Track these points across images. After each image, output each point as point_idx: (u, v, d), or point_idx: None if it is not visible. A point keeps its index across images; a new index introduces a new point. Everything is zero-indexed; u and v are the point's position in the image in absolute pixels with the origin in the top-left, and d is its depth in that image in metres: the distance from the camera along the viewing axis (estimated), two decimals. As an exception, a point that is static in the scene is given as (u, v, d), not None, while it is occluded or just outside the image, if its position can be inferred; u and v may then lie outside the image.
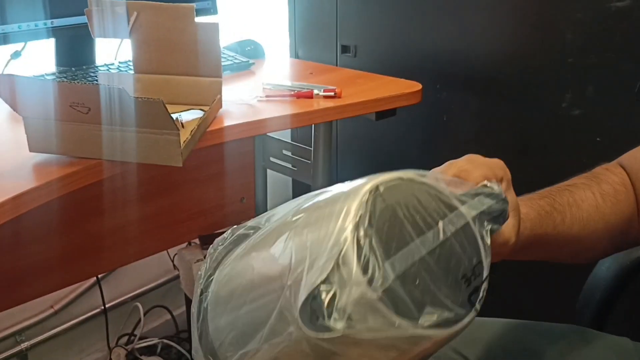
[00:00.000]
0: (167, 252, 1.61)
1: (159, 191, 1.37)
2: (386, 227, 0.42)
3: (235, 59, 1.32)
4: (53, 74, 1.16)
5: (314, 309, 0.39)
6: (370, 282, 0.39)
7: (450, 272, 0.44)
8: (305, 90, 1.11)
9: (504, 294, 1.37)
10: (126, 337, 1.61)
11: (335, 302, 0.39)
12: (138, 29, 1.00)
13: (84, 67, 1.19)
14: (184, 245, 1.49)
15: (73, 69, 1.17)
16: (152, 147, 0.81)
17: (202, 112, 0.96)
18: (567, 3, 1.14)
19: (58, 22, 1.14)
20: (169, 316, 1.69)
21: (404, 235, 0.42)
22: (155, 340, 1.65)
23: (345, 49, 1.52)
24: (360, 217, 0.41)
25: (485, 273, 0.47)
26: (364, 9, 1.47)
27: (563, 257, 0.71)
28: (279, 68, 1.40)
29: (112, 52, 1.18)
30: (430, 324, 0.41)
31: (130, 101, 0.74)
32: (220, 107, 1.01)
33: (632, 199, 0.70)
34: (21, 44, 1.12)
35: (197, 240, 1.47)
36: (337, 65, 1.51)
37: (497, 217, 0.50)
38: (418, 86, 1.17)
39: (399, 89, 1.16)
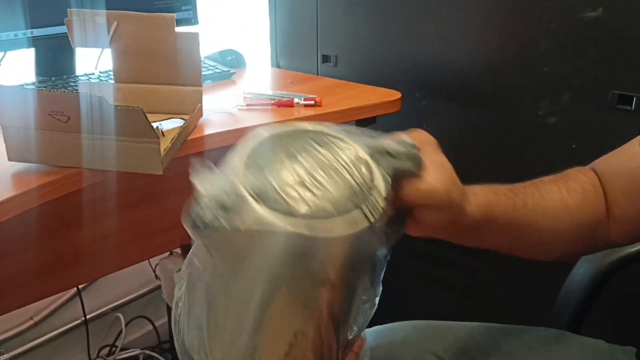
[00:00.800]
0: (149, 261, 1.61)
1: (140, 201, 1.37)
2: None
3: (217, 68, 1.33)
4: (32, 83, 1.15)
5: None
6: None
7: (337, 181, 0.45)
8: (285, 99, 1.12)
9: (483, 298, 1.39)
10: (107, 349, 1.60)
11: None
12: (118, 38, 1.00)
13: (64, 76, 1.19)
14: (166, 254, 1.48)
15: (53, 78, 1.17)
16: (132, 155, 0.81)
17: (183, 121, 0.96)
18: (541, 14, 1.16)
19: (38, 31, 1.14)
20: (150, 327, 1.68)
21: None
22: (137, 351, 1.64)
23: (326, 58, 1.53)
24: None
25: (382, 193, 0.47)
26: (345, 19, 1.48)
27: (528, 247, 0.70)
28: (260, 77, 1.41)
29: (93, 62, 1.18)
30: (305, 213, 0.42)
31: (110, 109, 0.75)
32: (201, 115, 1.02)
33: (600, 200, 0.70)
34: (0, 54, 1.12)
35: (178, 250, 1.47)
36: (318, 75, 1.53)
37: (402, 158, 0.51)
38: (397, 95, 1.18)
39: (379, 97, 1.18)
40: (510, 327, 0.80)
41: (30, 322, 1.43)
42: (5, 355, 1.39)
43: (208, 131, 0.99)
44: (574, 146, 1.17)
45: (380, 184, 0.48)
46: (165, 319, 1.68)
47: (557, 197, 0.68)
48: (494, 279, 1.36)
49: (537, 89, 1.20)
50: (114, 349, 1.60)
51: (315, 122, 0.52)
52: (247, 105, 1.11)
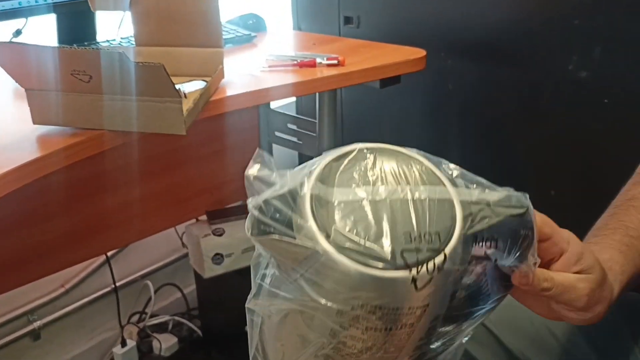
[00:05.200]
0: (176, 230, 1.62)
1: (165, 168, 1.37)
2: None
3: (237, 32, 1.31)
4: (54, 50, 1.15)
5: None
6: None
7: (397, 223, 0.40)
8: (308, 60, 1.10)
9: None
10: (137, 315, 1.62)
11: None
12: (138, 1, 0.99)
13: (86, 43, 1.18)
14: (192, 221, 1.49)
15: (74, 45, 1.16)
16: (154, 115, 0.81)
17: (205, 83, 0.95)
18: (571, -37, 1.12)
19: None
20: (179, 294, 1.70)
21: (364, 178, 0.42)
22: (166, 318, 1.66)
23: (348, 20, 1.50)
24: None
25: (445, 254, 0.40)
26: (366, -21, 1.45)
27: None
28: (281, 40, 1.39)
29: (114, 28, 1.18)
30: (339, 246, 0.39)
31: (131, 66, 0.74)
32: (223, 77, 1.00)
33: None
34: (22, 21, 1.12)
35: (204, 216, 1.47)
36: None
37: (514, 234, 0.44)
38: (422, 52, 1.15)
39: (403, 56, 1.15)
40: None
41: (61, 290, 1.45)
42: (38, 322, 1.41)
43: (230, 92, 0.97)
44: (605, 101, 1.13)
45: (454, 239, 0.41)
46: (193, 286, 1.69)
47: None
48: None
49: (567, 43, 1.16)
50: (143, 315, 1.62)
51: (425, 155, 0.46)
52: (269, 66, 1.10)
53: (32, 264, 1.21)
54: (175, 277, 1.69)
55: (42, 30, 1.20)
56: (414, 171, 0.43)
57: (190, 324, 1.66)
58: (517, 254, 0.45)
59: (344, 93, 1.56)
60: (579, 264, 0.50)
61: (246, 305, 0.49)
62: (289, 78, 1.05)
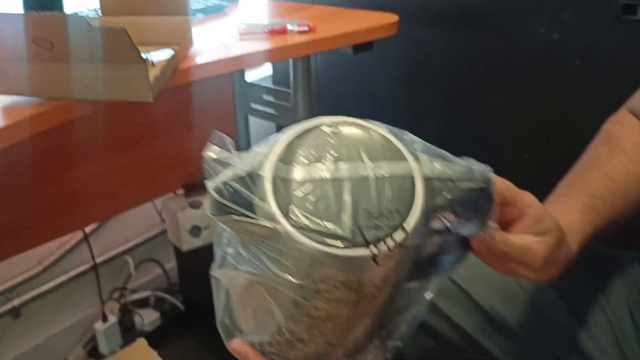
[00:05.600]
0: (154, 205, 1.61)
1: (139, 141, 1.36)
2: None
3: (208, 2, 1.29)
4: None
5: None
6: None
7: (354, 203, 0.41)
8: (278, 27, 1.09)
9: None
10: (118, 292, 1.62)
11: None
12: (102, -31, 0.98)
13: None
14: (170, 195, 1.48)
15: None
16: (120, 83, 0.79)
17: (173, 51, 0.94)
18: None
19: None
20: (160, 269, 1.70)
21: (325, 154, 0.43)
22: (147, 293, 1.66)
23: (321, -12, 1.49)
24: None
25: (406, 231, 0.41)
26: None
27: (614, 231, 0.66)
28: (253, 10, 1.37)
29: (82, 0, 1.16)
30: (299, 227, 0.39)
31: (93, 31, 0.73)
32: (191, 45, 0.99)
33: None
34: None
35: (182, 190, 1.47)
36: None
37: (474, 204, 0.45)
38: (394, 18, 1.15)
39: (375, 21, 1.14)
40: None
41: (40, 268, 1.45)
42: (17, 301, 1.41)
43: (200, 61, 0.96)
44: (578, 62, 1.14)
45: (414, 216, 0.42)
46: (174, 262, 1.69)
47: (624, 171, 0.65)
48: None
49: (538, 5, 1.16)
50: (124, 291, 1.62)
51: (389, 128, 0.46)
52: (240, 34, 1.09)
53: (5, 241, 1.20)
54: (155, 252, 1.69)
55: (6, 3, 1.18)
56: (376, 146, 0.43)
57: (172, 299, 1.66)
58: (477, 223, 0.45)
59: (319, 63, 1.55)
60: (538, 227, 0.51)
61: (210, 273, 0.49)
62: (259, 46, 1.04)
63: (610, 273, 0.71)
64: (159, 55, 0.96)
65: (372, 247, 0.40)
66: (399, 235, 0.40)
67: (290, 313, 0.44)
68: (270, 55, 1.04)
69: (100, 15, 1.02)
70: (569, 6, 1.12)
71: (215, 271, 0.49)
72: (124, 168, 1.31)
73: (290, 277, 0.41)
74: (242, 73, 1.52)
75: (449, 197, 0.44)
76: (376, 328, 0.48)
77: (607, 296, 0.69)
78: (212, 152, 0.44)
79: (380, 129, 0.45)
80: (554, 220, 0.52)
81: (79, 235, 1.48)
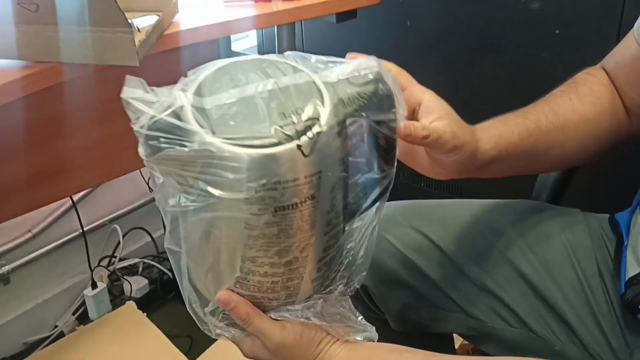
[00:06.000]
0: (141, 173, 1.63)
1: (123, 111, 1.36)
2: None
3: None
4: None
5: None
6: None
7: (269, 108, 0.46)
8: (263, -6, 1.10)
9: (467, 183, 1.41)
10: (107, 259, 1.64)
11: None
12: None
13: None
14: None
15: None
16: (106, 46, 0.81)
17: (158, 17, 0.95)
18: None
19: None
20: (148, 238, 1.72)
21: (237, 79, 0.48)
22: (136, 260, 1.68)
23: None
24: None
25: (319, 121, 0.46)
26: None
27: (547, 166, 0.71)
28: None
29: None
30: (226, 139, 0.44)
31: (78, -6, 0.74)
32: (177, 11, 1.00)
33: (614, 97, 0.70)
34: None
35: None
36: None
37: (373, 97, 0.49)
38: (378, -14, 1.16)
39: (358, -11, 1.15)
40: (489, 202, 0.82)
41: (29, 235, 1.46)
42: (6, 267, 1.43)
43: (185, 27, 0.97)
44: (557, 31, 1.16)
45: (324, 108, 0.47)
46: (162, 230, 1.71)
47: (570, 108, 0.68)
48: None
49: (519, -25, 1.18)
50: (113, 259, 1.64)
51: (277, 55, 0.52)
52: (226, 2, 1.10)
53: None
54: (143, 221, 1.70)
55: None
56: (276, 68, 0.49)
57: (160, 266, 1.68)
58: (385, 108, 0.50)
59: (304, 33, 1.56)
60: (436, 112, 0.56)
61: (165, 247, 0.53)
62: (244, 12, 1.05)
63: (581, 231, 0.75)
64: (145, 21, 0.97)
65: (295, 139, 0.44)
66: (315, 127, 0.45)
67: (246, 242, 0.47)
68: (256, 22, 1.06)
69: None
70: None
71: (168, 242, 0.53)
72: (113, 136, 1.32)
73: (233, 194, 0.44)
74: (228, 43, 1.53)
75: (350, 91, 0.49)
76: (334, 256, 0.52)
77: (577, 253, 0.72)
78: (129, 92, 0.47)
79: (279, 58, 0.51)
80: (445, 105, 0.57)
81: (67, 203, 1.49)
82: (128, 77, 0.47)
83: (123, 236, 1.64)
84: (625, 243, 0.69)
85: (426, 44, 1.38)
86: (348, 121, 0.48)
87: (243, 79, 0.48)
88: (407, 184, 1.54)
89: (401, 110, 0.52)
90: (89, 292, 1.53)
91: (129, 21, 0.87)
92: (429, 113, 0.56)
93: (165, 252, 1.66)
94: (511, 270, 0.72)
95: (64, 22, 0.78)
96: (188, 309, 0.56)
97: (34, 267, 1.49)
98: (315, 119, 0.45)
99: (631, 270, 0.65)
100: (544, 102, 0.69)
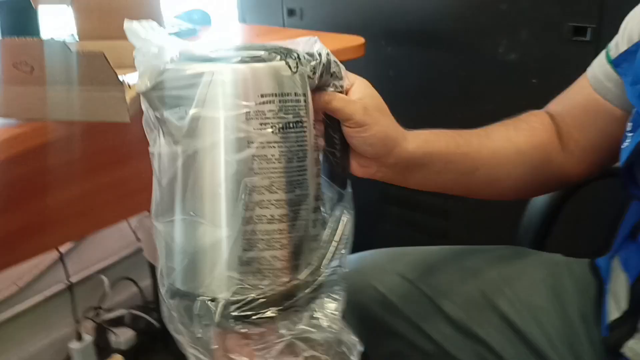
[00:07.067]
0: (129, 224, 1.63)
1: (113, 162, 1.37)
2: None
3: (181, 26, 1.33)
4: (-3, 47, 1.15)
5: None
6: None
7: None
8: (250, 49, 1.13)
9: (454, 238, 1.43)
10: (93, 311, 1.62)
11: None
12: (79, -6, 1.01)
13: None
14: (144, 214, 1.50)
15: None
16: (98, 105, 0.83)
17: (148, 73, 0.98)
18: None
19: (0, -5, 1.14)
20: (135, 288, 1.71)
21: None
22: (123, 311, 1.67)
23: (291, 12, 1.54)
24: None
25: (296, 52, 0.52)
26: (307, -29, 1.49)
27: (479, 187, 0.71)
28: (225, 32, 1.42)
29: (58, 25, 1.19)
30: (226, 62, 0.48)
31: (73, 55, 0.76)
32: (166, 67, 1.03)
33: (550, 137, 0.73)
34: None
35: (157, 209, 1.49)
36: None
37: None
38: (361, 40, 1.20)
39: (343, 43, 1.19)
40: (473, 248, 0.84)
41: (15, 288, 1.45)
42: (-8, 321, 1.41)
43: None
44: (534, 81, 1.20)
45: (295, 52, 0.52)
46: (149, 280, 1.71)
47: (504, 135, 0.71)
48: (464, 218, 1.40)
49: (496, 27, 1.23)
50: (99, 310, 1.63)
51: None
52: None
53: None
54: (130, 271, 1.70)
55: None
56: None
57: (147, 317, 1.67)
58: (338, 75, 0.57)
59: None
60: (359, 93, 0.59)
61: (154, 222, 0.55)
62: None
63: (564, 276, 0.77)
64: (135, 78, 0.99)
65: (282, 59, 0.50)
66: (295, 54, 0.51)
67: (250, 167, 0.49)
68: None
69: (78, 40, 1.05)
70: (525, 27, 1.19)
71: (157, 219, 0.55)
72: (98, 188, 1.32)
73: (232, 112, 0.48)
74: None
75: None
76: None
77: (561, 298, 0.74)
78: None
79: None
80: (379, 100, 0.62)
81: (54, 255, 1.49)
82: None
83: (110, 287, 1.63)
84: (606, 287, 0.71)
85: (409, 94, 1.42)
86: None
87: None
88: (394, 231, 1.56)
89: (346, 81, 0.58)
90: (74, 345, 1.51)
91: (121, 78, 0.90)
92: (353, 93, 0.59)
93: (152, 301, 1.65)
94: (497, 315, 0.74)
95: (56, 81, 0.80)
96: (172, 332, 0.52)
97: (20, 321, 1.48)
98: (293, 51, 0.51)
99: (612, 313, 0.67)
100: (480, 129, 0.72)
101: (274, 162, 0.49)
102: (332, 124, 0.59)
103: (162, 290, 0.53)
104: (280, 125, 0.49)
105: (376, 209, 1.55)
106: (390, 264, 0.80)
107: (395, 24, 1.39)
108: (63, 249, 1.50)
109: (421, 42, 1.36)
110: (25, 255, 1.32)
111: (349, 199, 0.58)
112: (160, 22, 1.02)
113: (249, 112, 0.48)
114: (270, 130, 0.48)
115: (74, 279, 1.54)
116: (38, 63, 0.77)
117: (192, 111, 0.48)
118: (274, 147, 0.49)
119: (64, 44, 0.74)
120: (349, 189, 0.59)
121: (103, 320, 1.63)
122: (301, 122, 0.50)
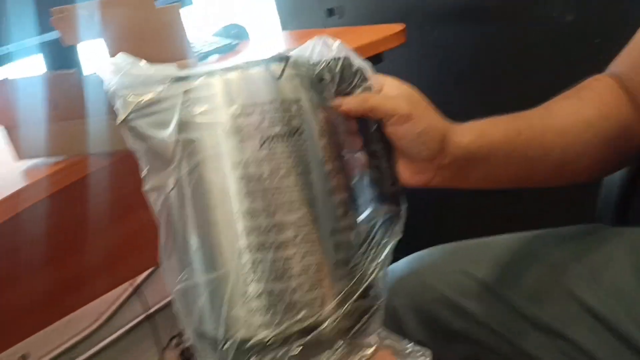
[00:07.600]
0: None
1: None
2: None
3: (219, 42, 1.32)
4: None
5: None
6: None
7: None
8: (285, 54, 1.10)
9: (524, 220, 1.32)
10: (177, 338, 1.63)
11: None
12: (107, 26, 1.01)
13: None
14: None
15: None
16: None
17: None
18: None
19: (44, 37, 1.17)
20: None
21: None
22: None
23: (330, 11, 1.50)
24: None
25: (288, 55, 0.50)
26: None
27: (547, 175, 0.63)
28: (265, 43, 1.39)
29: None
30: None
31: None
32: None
33: (622, 101, 0.64)
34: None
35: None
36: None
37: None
38: (399, 27, 1.14)
39: (381, 33, 1.13)
40: (545, 232, 0.75)
41: (96, 325, 1.47)
42: (79, 359, 1.44)
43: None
44: (596, 40, 1.10)
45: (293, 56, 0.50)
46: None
47: (570, 110, 0.62)
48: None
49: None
50: (183, 337, 1.63)
51: None
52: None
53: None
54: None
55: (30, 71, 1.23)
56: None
57: (230, 339, 1.66)
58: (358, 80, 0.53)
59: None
60: (393, 91, 0.54)
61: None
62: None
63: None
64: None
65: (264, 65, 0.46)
66: (279, 60, 0.47)
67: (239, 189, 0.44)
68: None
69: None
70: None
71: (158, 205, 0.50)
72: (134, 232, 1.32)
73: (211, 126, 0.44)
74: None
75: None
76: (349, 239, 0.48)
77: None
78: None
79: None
80: (413, 92, 0.55)
81: (130, 286, 1.51)
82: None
83: (189, 313, 1.63)
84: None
85: (466, 74, 1.35)
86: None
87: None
88: (450, 224, 1.47)
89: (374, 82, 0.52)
90: (161, 374, 1.52)
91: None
92: (388, 92, 0.54)
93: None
94: (576, 304, 0.65)
95: (94, 115, 0.79)
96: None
97: (105, 356, 1.50)
98: (285, 56, 0.48)
99: None
100: (540, 107, 0.63)
101: (265, 181, 0.44)
102: (370, 133, 0.52)
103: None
104: (267, 137, 0.44)
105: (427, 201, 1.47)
106: (452, 262, 0.73)
107: (437, 5, 1.31)
108: (139, 278, 1.52)
109: (468, 19, 1.28)
110: (101, 290, 1.34)
111: (402, 220, 0.52)
112: (183, 39, 1.00)
113: (226, 128, 0.43)
114: (255, 144, 0.44)
115: (153, 308, 1.55)
116: (75, 98, 0.77)
117: (168, 138, 0.45)
118: (262, 164, 0.44)
119: (94, 77, 0.74)
120: (404, 204, 0.53)
121: (187, 347, 1.63)
122: (296, 131, 0.45)
